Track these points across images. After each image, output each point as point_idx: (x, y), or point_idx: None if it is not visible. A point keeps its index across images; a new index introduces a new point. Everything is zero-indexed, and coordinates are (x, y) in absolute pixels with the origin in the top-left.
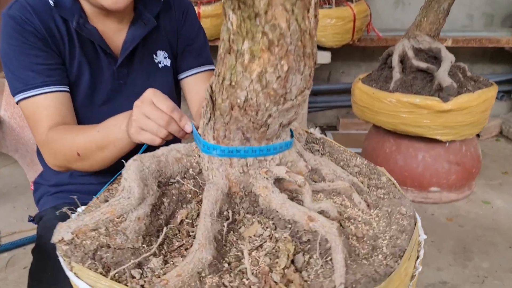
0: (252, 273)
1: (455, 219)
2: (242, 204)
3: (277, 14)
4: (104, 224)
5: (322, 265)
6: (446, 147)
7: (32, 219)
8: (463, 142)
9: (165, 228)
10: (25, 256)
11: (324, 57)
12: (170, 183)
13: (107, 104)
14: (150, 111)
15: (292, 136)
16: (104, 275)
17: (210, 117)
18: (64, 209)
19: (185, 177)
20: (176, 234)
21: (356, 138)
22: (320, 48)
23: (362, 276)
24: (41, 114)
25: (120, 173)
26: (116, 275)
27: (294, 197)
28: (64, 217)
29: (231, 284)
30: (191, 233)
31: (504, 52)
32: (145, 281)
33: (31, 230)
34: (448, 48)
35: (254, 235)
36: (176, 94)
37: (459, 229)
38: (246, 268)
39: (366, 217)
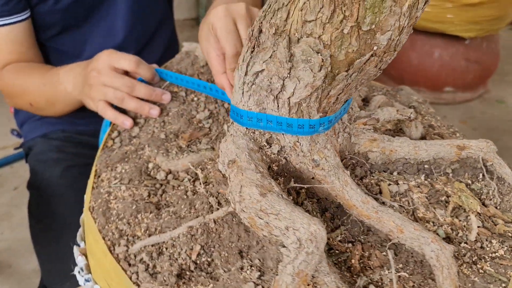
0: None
1: (469, 121)
2: (354, 172)
3: None
4: None
5: (491, 185)
6: (466, 44)
7: (17, 134)
8: (485, 37)
9: (361, 279)
10: (13, 175)
11: None
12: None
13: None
14: (110, 80)
15: None
16: None
17: (319, 87)
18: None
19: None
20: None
21: None
22: None
23: None
24: None
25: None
26: None
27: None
28: (59, 149)
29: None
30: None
31: None
32: None
33: (16, 145)
34: None
35: (392, 197)
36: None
37: (473, 133)
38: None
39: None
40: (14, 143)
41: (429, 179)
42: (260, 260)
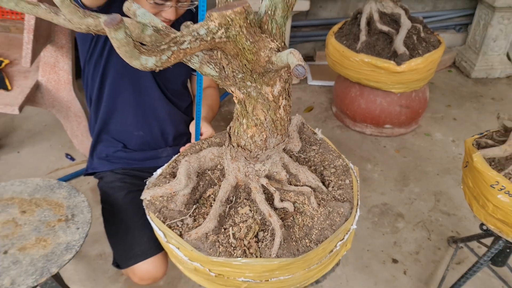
0: (234, 237)
1: (401, 151)
2: (243, 193)
3: (258, 113)
4: (166, 195)
5: (270, 241)
6: (399, 96)
7: (70, 157)
8: (413, 90)
9: (195, 205)
10: None
11: (303, 5)
12: (205, 173)
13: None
14: None
15: None
16: (163, 222)
17: (228, 144)
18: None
19: (215, 169)
20: (204, 204)
21: (331, 70)
22: None
23: (287, 252)
24: None
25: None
26: (169, 223)
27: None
28: (121, 181)
29: (222, 240)
30: (212, 205)
31: None
32: (182, 229)
33: (70, 166)
34: None
35: (245, 213)
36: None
37: (403, 160)
38: (232, 234)
39: (313, 213)
40: (69, 164)
41: (262, 220)
42: None
